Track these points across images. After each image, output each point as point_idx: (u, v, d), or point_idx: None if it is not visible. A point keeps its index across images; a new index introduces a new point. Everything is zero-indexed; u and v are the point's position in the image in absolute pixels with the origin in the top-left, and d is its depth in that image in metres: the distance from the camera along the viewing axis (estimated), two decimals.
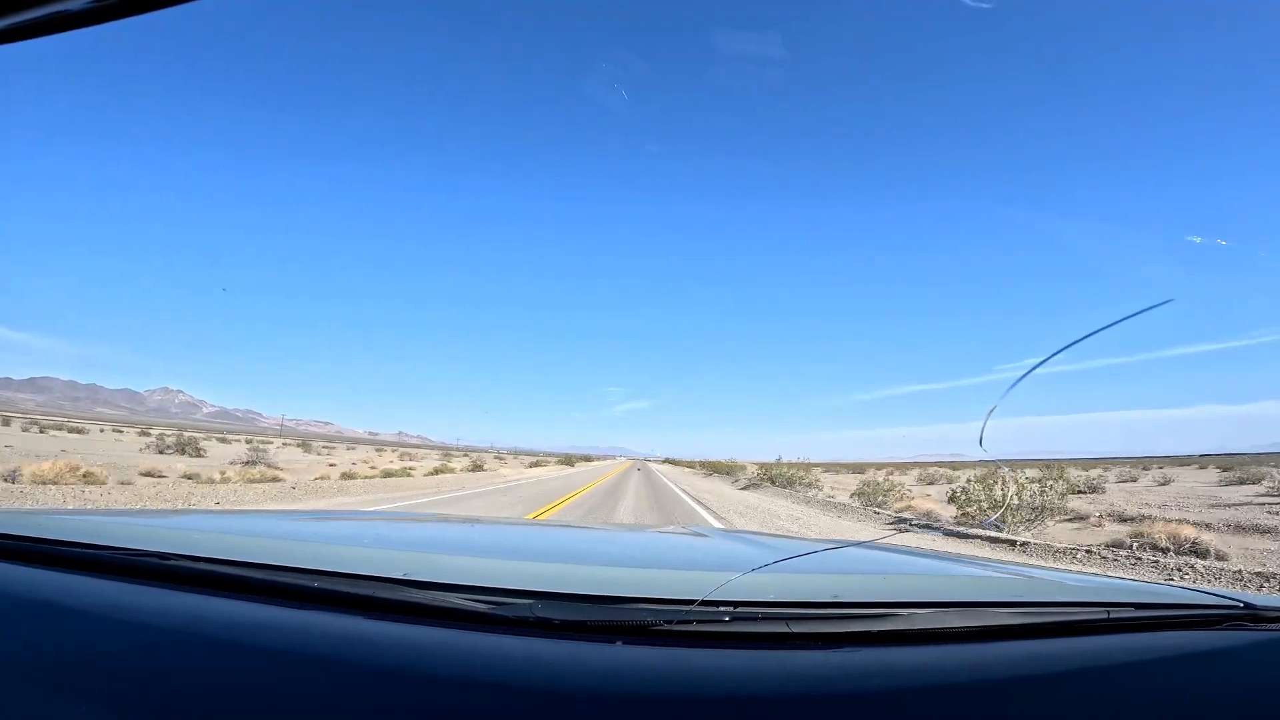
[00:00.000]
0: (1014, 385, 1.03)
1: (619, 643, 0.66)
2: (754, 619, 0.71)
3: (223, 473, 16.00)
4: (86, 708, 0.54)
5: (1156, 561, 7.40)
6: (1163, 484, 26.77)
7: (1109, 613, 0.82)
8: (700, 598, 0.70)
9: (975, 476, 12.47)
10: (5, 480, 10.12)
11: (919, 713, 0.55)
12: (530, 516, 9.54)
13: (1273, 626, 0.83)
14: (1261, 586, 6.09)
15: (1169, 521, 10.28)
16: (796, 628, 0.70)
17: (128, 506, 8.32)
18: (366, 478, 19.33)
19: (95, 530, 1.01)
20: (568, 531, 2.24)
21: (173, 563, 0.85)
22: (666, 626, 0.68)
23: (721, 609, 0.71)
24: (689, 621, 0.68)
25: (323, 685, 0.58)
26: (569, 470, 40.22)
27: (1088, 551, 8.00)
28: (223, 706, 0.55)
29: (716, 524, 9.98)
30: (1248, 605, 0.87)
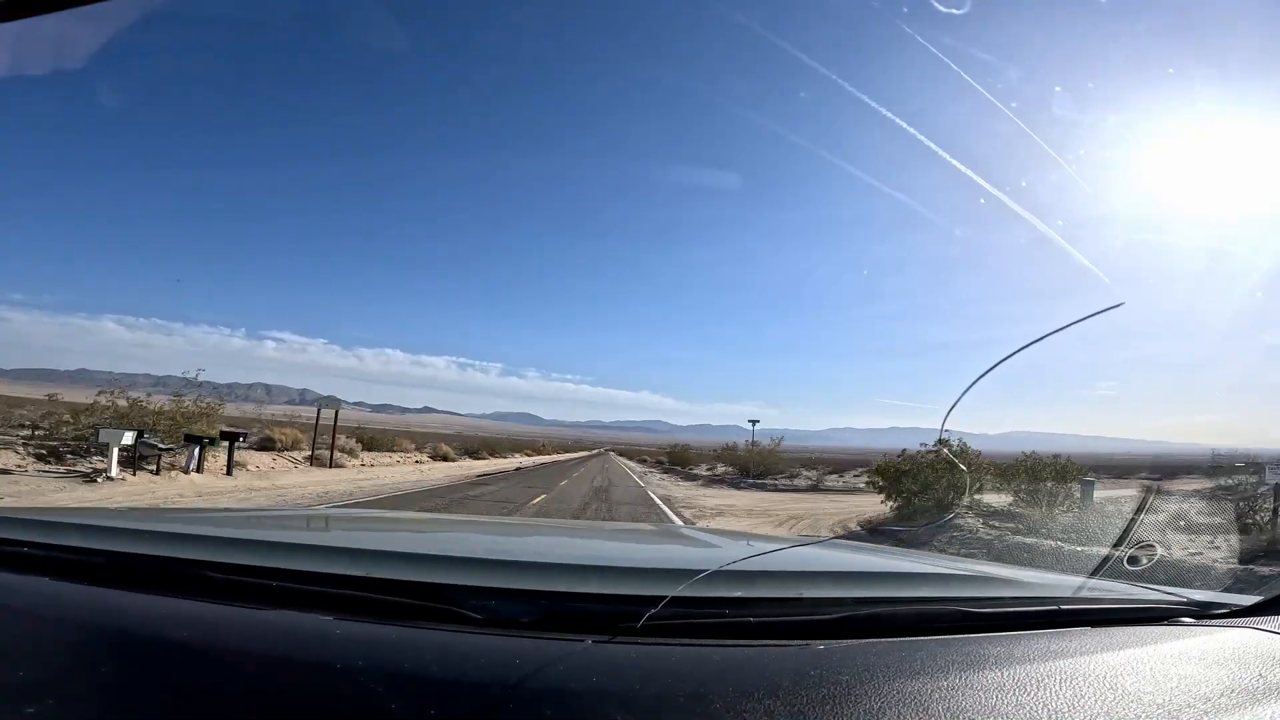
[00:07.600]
0: (965, 393, 1.18)
1: (588, 641, 0.66)
2: (721, 615, 0.73)
3: None
4: (35, 709, 0.52)
5: None
6: None
7: (1060, 606, 0.86)
8: (669, 595, 0.71)
9: None
10: None
11: (879, 705, 0.56)
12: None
13: (1216, 622, 0.88)
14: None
15: None
16: (762, 623, 0.72)
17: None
18: None
19: (44, 527, 0.98)
20: (533, 529, 2.27)
21: (128, 562, 0.83)
22: (635, 624, 0.69)
23: (689, 606, 0.72)
24: (658, 619, 0.69)
25: (280, 685, 0.57)
26: None
27: None
28: (173, 706, 0.54)
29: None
30: (1192, 601, 0.92)
